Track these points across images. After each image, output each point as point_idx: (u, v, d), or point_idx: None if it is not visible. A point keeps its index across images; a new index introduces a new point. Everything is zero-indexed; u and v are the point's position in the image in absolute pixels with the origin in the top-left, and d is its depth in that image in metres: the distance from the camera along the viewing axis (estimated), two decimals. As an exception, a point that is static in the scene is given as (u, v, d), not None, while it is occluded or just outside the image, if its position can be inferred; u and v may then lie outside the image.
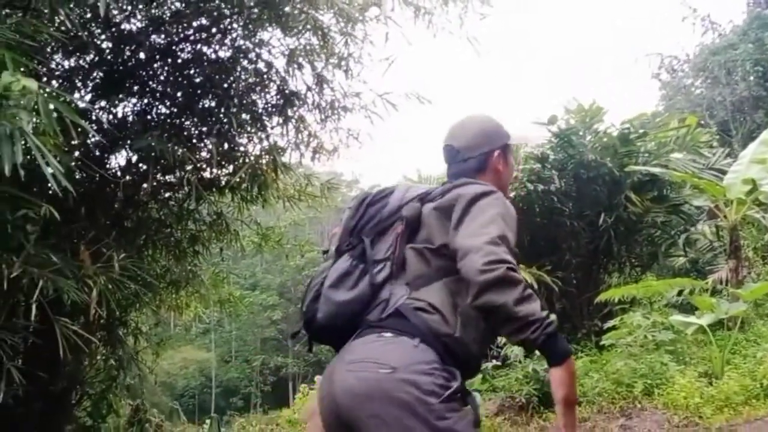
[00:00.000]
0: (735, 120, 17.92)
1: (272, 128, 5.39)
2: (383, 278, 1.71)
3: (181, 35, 5.02)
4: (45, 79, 4.01)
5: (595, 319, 8.11)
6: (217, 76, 4.88)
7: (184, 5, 4.79)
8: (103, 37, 4.80)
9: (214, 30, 5.00)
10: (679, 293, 7.68)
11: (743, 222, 9.84)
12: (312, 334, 1.81)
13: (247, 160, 4.92)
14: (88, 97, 4.79)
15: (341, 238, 1.84)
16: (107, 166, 4.83)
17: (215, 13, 4.74)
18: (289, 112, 5.24)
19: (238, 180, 4.80)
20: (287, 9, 4.43)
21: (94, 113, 4.68)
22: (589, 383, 5.46)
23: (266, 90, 5.22)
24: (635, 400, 5.06)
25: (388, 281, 1.71)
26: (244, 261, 38.71)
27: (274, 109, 5.25)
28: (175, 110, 5.23)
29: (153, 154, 4.35)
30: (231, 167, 5.21)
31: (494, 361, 6.48)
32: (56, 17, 3.56)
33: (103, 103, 4.81)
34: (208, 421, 13.98)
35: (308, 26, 4.57)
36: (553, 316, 1.91)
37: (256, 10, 4.58)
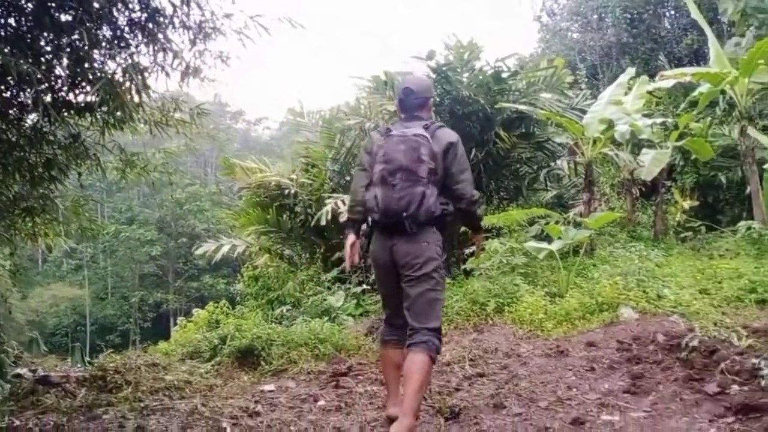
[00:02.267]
0: (603, 64, 19.07)
1: (136, 47, 5.08)
2: (430, 193, 3.08)
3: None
4: None
5: (464, 248, 8.62)
6: (71, -14, 4.49)
7: None
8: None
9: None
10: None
11: (602, 159, 10.68)
12: (410, 221, 3.09)
13: (106, 80, 4.62)
14: None
15: (397, 165, 3.08)
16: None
17: None
18: (154, 30, 4.94)
19: (94, 100, 4.51)
20: None
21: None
22: (449, 304, 5.86)
23: (128, 4, 4.87)
24: (488, 317, 5.52)
25: (433, 196, 3.10)
26: (119, 194, 36.79)
27: (136, 27, 4.93)
28: (25, 23, 4.78)
29: (-2, 70, 3.98)
30: (89, 87, 4.88)
31: (363, 286, 6.76)
32: None
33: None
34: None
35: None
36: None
37: None
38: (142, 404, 3.97)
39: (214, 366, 4.88)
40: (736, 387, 3.33)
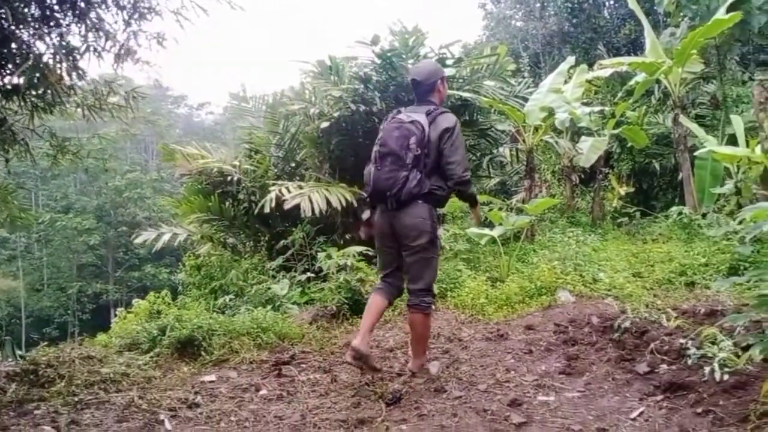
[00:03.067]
0: (545, 52, 19.43)
1: (66, 26, 4.85)
2: (417, 176, 3.54)
3: None
4: None
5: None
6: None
7: None
8: None
9: None
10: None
11: (543, 147, 10.92)
12: (394, 202, 3.60)
13: (33, 61, 4.40)
14: None
15: (387, 150, 3.58)
16: None
17: None
18: (86, 9, 4.73)
19: (21, 82, 4.29)
20: None
21: None
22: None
23: (57, -18, 4.64)
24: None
25: (422, 178, 3.55)
26: (54, 181, 35.36)
27: (66, 5, 4.70)
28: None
29: None
30: (16, 69, 4.63)
31: (308, 274, 6.71)
32: None
33: None
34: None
35: None
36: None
37: None
38: (76, 398, 3.83)
39: (152, 357, 4.75)
40: (664, 366, 3.48)
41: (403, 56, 8.97)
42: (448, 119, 3.61)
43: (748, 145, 7.06)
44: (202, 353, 4.60)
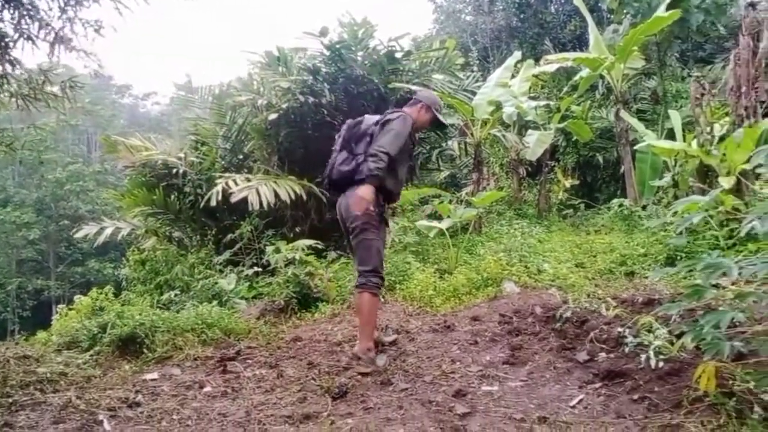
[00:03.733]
0: (494, 47, 19.68)
1: (-2, 14, 4.63)
2: (360, 161, 3.87)
3: None
4: None
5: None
6: None
7: None
8: None
9: None
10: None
11: (492, 140, 11.07)
12: (330, 185, 4.13)
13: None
14: None
15: (342, 144, 4.03)
16: None
17: None
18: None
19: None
20: None
21: None
22: (342, 284, 5.88)
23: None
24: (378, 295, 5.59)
25: (362, 162, 3.85)
26: (-10, 173, 33.76)
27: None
28: None
29: None
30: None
31: (256, 268, 6.63)
32: None
33: None
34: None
35: None
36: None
37: None
38: (10, 400, 3.68)
39: (92, 356, 4.61)
40: (603, 354, 3.59)
41: (353, 48, 8.92)
42: (396, 116, 3.96)
43: (685, 140, 7.32)
44: (145, 351, 4.49)
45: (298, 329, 5.04)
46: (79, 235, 9.92)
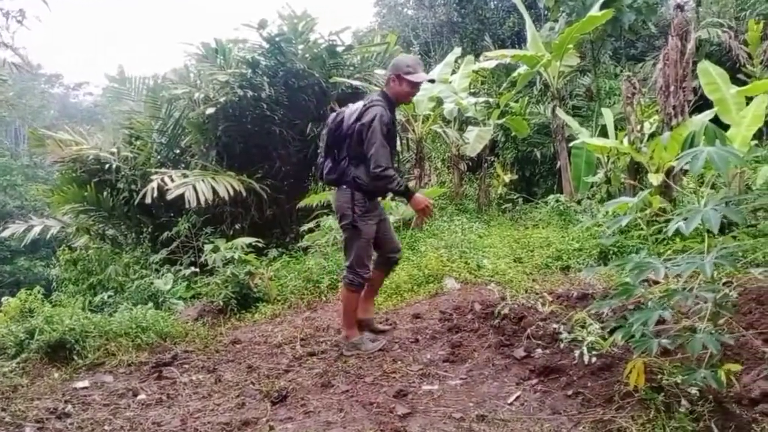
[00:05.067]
0: (435, 42, 19.82)
1: None
2: (344, 166, 3.98)
3: None
4: None
5: (302, 224, 8.56)
6: None
7: None
8: None
9: None
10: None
11: (433, 136, 11.15)
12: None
13: None
14: None
15: (325, 150, 4.08)
16: None
17: None
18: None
19: None
20: None
21: None
22: (284, 283, 5.81)
23: None
24: (321, 295, 5.56)
25: (348, 166, 3.96)
26: None
27: None
28: None
29: None
30: None
31: (193, 268, 6.46)
32: None
33: None
34: None
35: None
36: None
37: None
38: (-76, 415, 3.46)
39: (19, 363, 4.39)
40: (539, 351, 3.66)
41: (293, 41, 8.79)
42: (369, 114, 3.84)
43: (617, 137, 7.58)
44: (75, 357, 4.31)
45: (237, 331, 4.94)
46: (5, 234, 9.43)
